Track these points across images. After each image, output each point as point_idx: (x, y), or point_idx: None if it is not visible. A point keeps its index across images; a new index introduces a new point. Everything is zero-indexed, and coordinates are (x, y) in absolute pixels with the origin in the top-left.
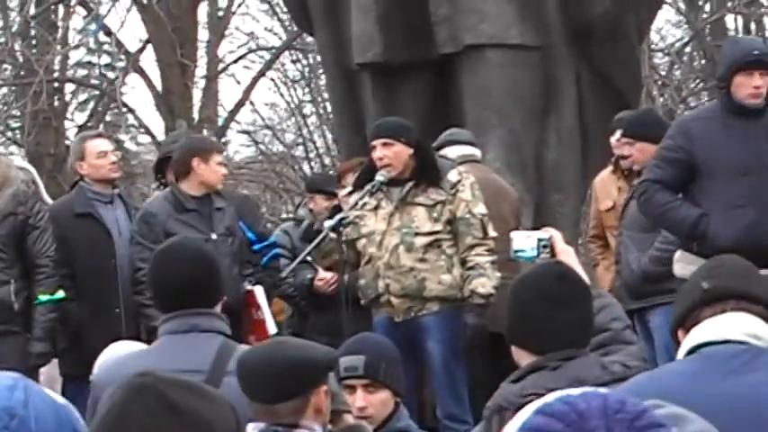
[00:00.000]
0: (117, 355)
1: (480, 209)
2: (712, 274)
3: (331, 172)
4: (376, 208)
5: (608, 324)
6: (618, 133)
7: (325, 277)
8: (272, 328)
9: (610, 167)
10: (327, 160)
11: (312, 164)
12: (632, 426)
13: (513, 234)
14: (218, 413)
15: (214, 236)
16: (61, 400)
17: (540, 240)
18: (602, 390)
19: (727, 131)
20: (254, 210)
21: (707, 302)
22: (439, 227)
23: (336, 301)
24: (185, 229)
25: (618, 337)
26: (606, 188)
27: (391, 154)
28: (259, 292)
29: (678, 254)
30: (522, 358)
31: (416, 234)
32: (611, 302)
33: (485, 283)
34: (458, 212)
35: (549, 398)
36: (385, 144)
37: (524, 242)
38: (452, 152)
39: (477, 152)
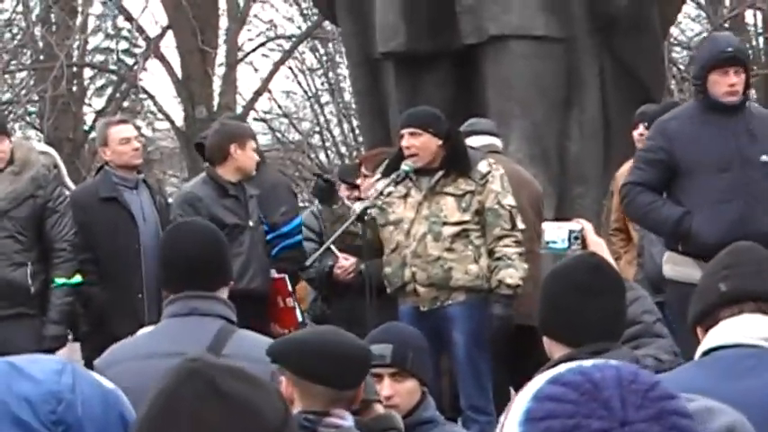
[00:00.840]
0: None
1: (509, 200)
2: (730, 274)
3: (347, 161)
4: (405, 196)
5: (639, 317)
6: (641, 126)
7: (343, 265)
8: (299, 316)
9: (632, 160)
10: (344, 149)
11: (328, 153)
12: (646, 396)
13: (545, 225)
14: (266, 400)
15: (251, 223)
16: (110, 385)
17: (571, 232)
18: (614, 361)
19: (705, 129)
20: (279, 197)
21: (724, 304)
22: (467, 217)
23: (354, 289)
24: (228, 214)
25: (649, 329)
26: None
27: (418, 144)
28: (287, 280)
29: (666, 254)
30: (555, 350)
31: (444, 223)
32: (643, 295)
33: (512, 274)
34: (487, 203)
35: (562, 368)
36: (412, 134)
37: (556, 233)
38: (473, 142)
39: (498, 143)
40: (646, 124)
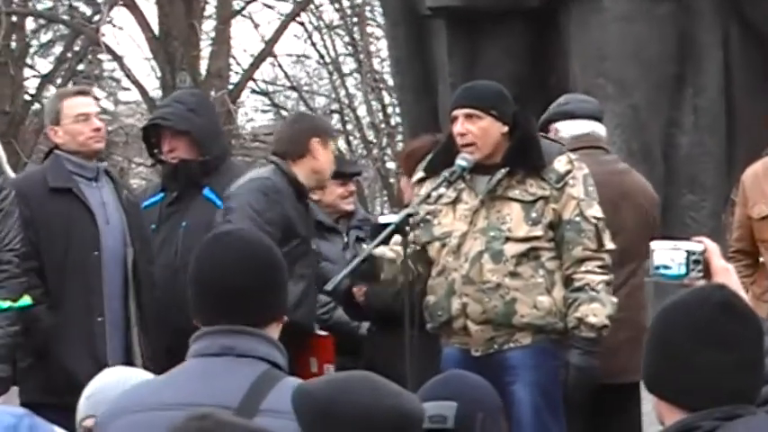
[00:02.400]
0: (120, 383)
1: (595, 211)
2: None
3: (376, 150)
4: (454, 202)
5: None
6: None
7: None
8: None
9: (767, 158)
10: (371, 134)
11: (350, 138)
12: None
13: (654, 244)
14: None
15: (313, 245)
16: None
17: (690, 253)
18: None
19: None
20: None
21: None
22: (538, 231)
23: (383, 316)
24: (300, 224)
25: None
26: (760, 187)
27: (477, 131)
28: (331, 342)
29: None
30: (668, 414)
31: (508, 239)
32: None
33: (597, 311)
34: (565, 214)
35: None
36: (469, 116)
37: (669, 256)
38: (567, 130)
39: (602, 131)
40: None
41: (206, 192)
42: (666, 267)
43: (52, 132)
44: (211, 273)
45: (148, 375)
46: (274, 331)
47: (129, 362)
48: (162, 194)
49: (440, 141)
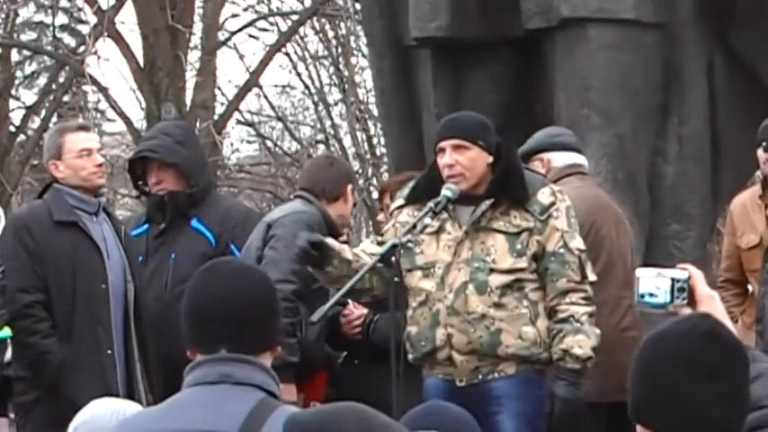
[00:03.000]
0: (113, 412)
1: (578, 243)
2: None
3: (361, 181)
4: (438, 232)
5: (766, 399)
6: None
7: (350, 314)
8: None
9: (755, 188)
10: (357, 164)
11: None
12: None
13: (639, 272)
14: None
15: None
16: None
17: (675, 281)
18: None
19: None
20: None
21: None
22: (523, 263)
23: (365, 350)
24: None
25: None
26: (749, 217)
27: (465, 161)
28: (323, 378)
29: None
30: None
31: (492, 270)
32: None
33: (582, 343)
34: (549, 246)
35: None
36: (457, 147)
37: (654, 283)
38: (561, 159)
39: (585, 162)
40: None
41: (194, 223)
42: (652, 295)
43: (53, 167)
44: (207, 303)
45: (138, 406)
46: (268, 360)
47: (131, 394)
48: (147, 226)
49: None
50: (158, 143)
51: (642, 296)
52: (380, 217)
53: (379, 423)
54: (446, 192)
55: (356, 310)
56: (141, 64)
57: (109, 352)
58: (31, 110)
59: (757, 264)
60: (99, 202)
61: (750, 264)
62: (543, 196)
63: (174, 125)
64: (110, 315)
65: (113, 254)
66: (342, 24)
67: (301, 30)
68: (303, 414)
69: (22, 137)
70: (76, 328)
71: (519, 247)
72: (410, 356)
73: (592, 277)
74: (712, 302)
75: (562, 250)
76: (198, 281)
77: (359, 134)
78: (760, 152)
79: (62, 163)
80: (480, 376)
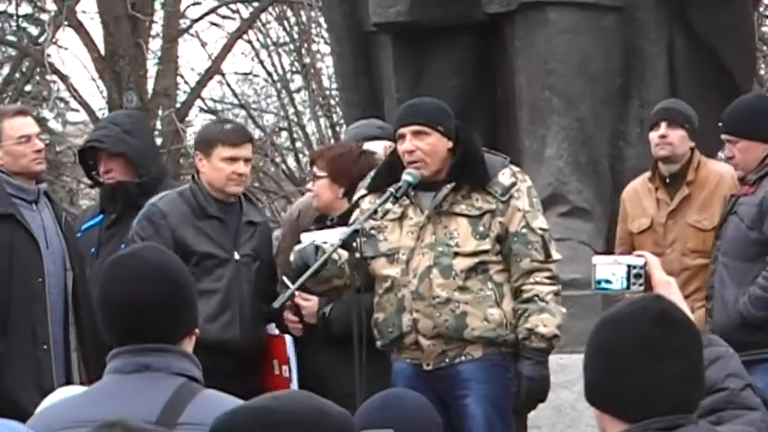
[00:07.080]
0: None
1: (541, 222)
2: None
3: None
4: (401, 218)
5: (722, 382)
6: (663, 126)
7: (301, 306)
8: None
9: (646, 174)
10: None
11: (300, 155)
12: None
13: (596, 259)
14: None
15: (237, 256)
16: None
17: (630, 267)
18: None
19: None
20: None
21: None
22: (486, 245)
23: (319, 337)
24: (203, 240)
25: (735, 399)
26: (640, 202)
27: (426, 147)
28: (289, 342)
29: None
30: (610, 427)
31: (456, 254)
32: (727, 353)
33: (547, 321)
34: (511, 226)
35: None
36: (417, 133)
37: (610, 270)
38: None
39: None
40: (721, 125)
41: None
42: (608, 282)
43: None
44: (119, 293)
45: None
46: (188, 345)
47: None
48: (101, 216)
49: (353, 150)
50: (106, 133)
51: (599, 282)
52: (309, 185)
53: (329, 414)
54: (407, 176)
55: (306, 303)
56: (102, 53)
57: (45, 347)
58: None
59: (649, 247)
60: (38, 189)
61: (642, 247)
62: (504, 177)
63: (124, 114)
64: (45, 310)
65: (52, 242)
66: (303, 12)
67: (263, 16)
68: (238, 407)
69: None
70: (12, 324)
71: (482, 229)
72: (378, 343)
73: (556, 256)
74: (668, 288)
75: (525, 230)
76: (108, 272)
77: (322, 121)
78: (652, 134)
79: (1, 149)
80: (447, 360)
